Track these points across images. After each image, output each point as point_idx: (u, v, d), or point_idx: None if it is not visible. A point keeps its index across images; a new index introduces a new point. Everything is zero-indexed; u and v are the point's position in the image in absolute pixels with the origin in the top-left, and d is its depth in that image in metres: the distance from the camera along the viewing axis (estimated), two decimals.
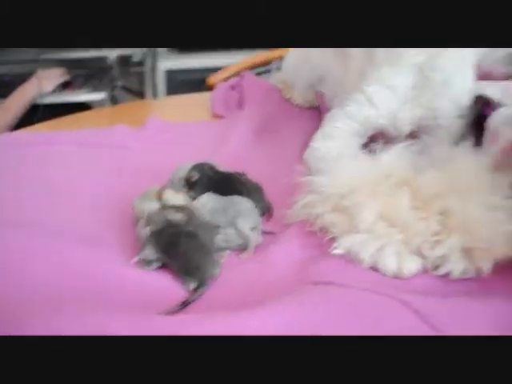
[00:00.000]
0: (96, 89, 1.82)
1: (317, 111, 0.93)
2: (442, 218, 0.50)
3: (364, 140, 0.71)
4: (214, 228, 0.54)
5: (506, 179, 0.53)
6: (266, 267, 0.50)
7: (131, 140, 0.86)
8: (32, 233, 0.54)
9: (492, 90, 0.64)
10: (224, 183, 0.62)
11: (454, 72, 0.66)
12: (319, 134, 0.72)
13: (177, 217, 0.52)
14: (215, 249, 0.52)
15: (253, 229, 0.54)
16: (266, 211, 0.61)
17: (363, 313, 0.42)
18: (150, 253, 0.50)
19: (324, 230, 0.53)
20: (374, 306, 0.43)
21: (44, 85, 1.59)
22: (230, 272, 0.50)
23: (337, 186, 0.54)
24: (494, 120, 0.59)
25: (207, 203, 0.56)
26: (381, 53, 0.66)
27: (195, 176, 0.61)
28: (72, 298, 0.45)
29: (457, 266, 0.48)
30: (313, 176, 0.56)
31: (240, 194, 0.59)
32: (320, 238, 0.53)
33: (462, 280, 0.48)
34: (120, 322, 0.40)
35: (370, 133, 0.71)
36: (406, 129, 0.69)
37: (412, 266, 0.48)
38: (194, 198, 0.59)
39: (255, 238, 0.53)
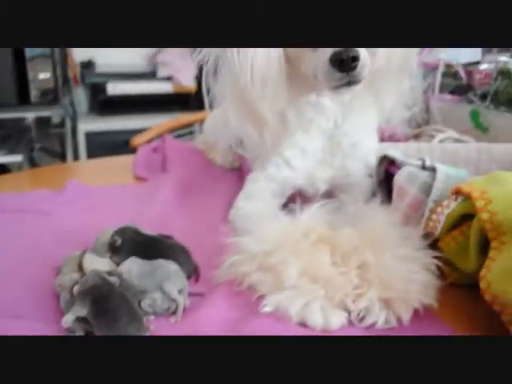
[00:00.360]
0: (13, 151, 1.75)
1: (238, 172, 0.97)
2: (360, 271, 0.53)
3: (283, 200, 0.75)
4: (141, 293, 0.53)
5: (415, 232, 0.58)
6: (197, 329, 0.49)
7: (50, 205, 0.83)
8: None
9: (394, 151, 0.71)
10: (149, 246, 0.61)
11: (360, 135, 0.74)
12: (242, 195, 0.75)
13: (111, 279, 0.51)
14: (142, 314, 0.51)
15: (180, 291, 0.54)
16: (192, 273, 0.61)
17: None
18: (79, 310, 0.48)
19: (252, 288, 0.54)
20: None
21: None
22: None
23: (261, 245, 0.56)
24: (399, 178, 0.65)
25: (132, 268, 0.56)
26: (293, 119, 0.71)
27: (118, 240, 0.61)
28: None
29: (379, 317, 0.50)
30: (238, 236, 0.58)
31: (166, 256, 0.58)
32: (249, 297, 0.53)
33: (387, 330, 0.50)
34: None
35: (288, 192, 0.75)
36: (322, 187, 0.74)
37: (337, 320, 0.50)
38: (118, 264, 0.58)
39: (182, 300, 0.53)
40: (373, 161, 0.74)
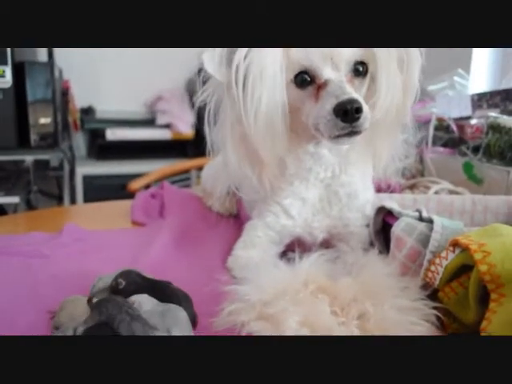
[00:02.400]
0: (10, 192, 1.76)
1: (235, 219, 0.97)
2: (360, 322, 0.53)
3: (281, 248, 0.75)
4: (150, 328, 0.52)
5: (414, 283, 0.58)
6: None
7: (46, 248, 0.83)
8: None
9: (391, 202, 0.72)
10: (153, 290, 0.61)
11: (357, 185, 0.75)
12: (240, 243, 0.75)
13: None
14: None
15: None
16: (193, 321, 0.60)
17: None
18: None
19: None
20: None
21: None
22: None
23: (260, 294, 0.55)
24: (397, 229, 0.66)
25: (145, 303, 0.55)
26: (292, 168, 0.72)
27: (122, 283, 0.60)
28: None
29: None
30: (236, 284, 0.58)
31: (171, 302, 0.58)
32: None
33: None
34: None
35: (287, 241, 0.76)
36: (320, 236, 0.75)
37: None
38: None
39: None
40: (370, 211, 0.75)
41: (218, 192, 0.98)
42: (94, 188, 2.07)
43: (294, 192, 0.73)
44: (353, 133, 0.60)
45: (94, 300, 0.53)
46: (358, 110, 0.58)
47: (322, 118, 0.60)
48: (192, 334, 0.55)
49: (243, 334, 0.54)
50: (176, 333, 0.52)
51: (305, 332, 0.51)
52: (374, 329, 0.52)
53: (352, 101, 0.58)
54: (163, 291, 0.61)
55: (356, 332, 0.52)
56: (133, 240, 0.88)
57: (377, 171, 0.77)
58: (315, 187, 0.73)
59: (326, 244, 0.76)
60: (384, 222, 0.74)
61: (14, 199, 1.74)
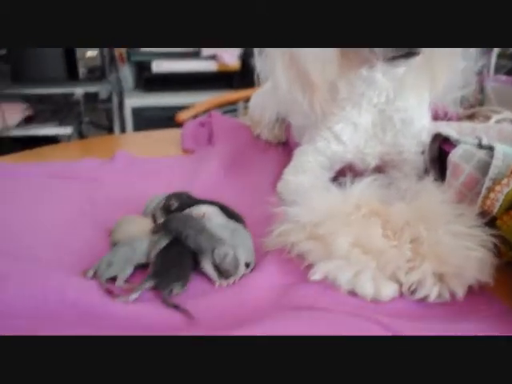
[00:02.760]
0: (63, 123, 1.81)
1: (284, 146, 0.96)
2: (413, 245, 0.52)
3: (332, 174, 0.74)
4: (218, 241, 0.54)
5: (470, 210, 0.56)
6: (246, 293, 0.50)
7: (100, 172, 0.85)
8: (7, 260, 0.53)
9: (447, 129, 0.69)
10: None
11: (412, 111, 0.72)
12: (291, 168, 0.74)
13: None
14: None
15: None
16: None
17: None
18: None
19: (301, 257, 0.54)
20: (354, 329, 0.44)
21: (7, 118, 1.58)
22: (208, 298, 0.50)
23: (310, 216, 0.55)
24: (455, 156, 0.63)
25: (215, 215, 0.56)
26: (344, 92, 0.70)
27: (175, 204, 0.61)
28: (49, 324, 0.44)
29: (432, 291, 0.49)
30: (287, 206, 0.58)
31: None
32: (298, 264, 0.54)
33: (439, 304, 0.49)
34: None
35: (338, 166, 0.74)
36: (373, 163, 0.73)
37: (388, 290, 0.49)
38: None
39: (242, 272, 0.53)
40: (425, 138, 0.72)
41: (266, 119, 0.96)
42: (143, 119, 2.08)
43: (346, 117, 0.71)
44: (410, 54, 0.57)
45: (160, 220, 0.55)
46: None
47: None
48: (252, 261, 0.56)
49: (293, 254, 0.54)
50: (240, 253, 0.53)
51: (355, 253, 0.51)
52: (428, 252, 0.51)
53: None
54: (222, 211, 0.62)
55: (408, 255, 0.51)
56: (183, 166, 0.89)
57: (434, 98, 0.73)
58: (368, 112, 0.71)
59: (378, 170, 0.74)
60: (440, 150, 0.71)
61: (67, 130, 1.79)
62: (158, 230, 0.56)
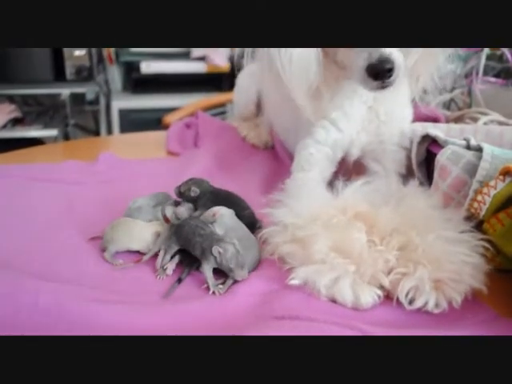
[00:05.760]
0: (48, 125, 1.78)
1: (271, 151, 0.95)
2: (402, 252, 0.51)
3: (335, 166, 0.74)
4: (217, 241, 0.52)
5: (457, 214, 0.55)
6: (229, 300, 0.48)
7: (82, 175, 0.83)
8: None
9: (435, 130, 0.68)
10: (227, 200, 0.60)
11: (394, 104, 0.73)
12: (295, 164, 0.74)
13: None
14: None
15: (243, 267, 0.52)
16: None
17: None
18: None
19: (282, 260, 0.53)
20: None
21: None
22: (190, 303, 0.49)
23: (294, 218, 0.54)
24: (442, 157, 0.62)
25: (227, 217, 0.55)
26: (333, 96, 0.70)
27: (196, 191, 0.59)
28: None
29: (430, 298, 0.47)
30: (272, 208, 0.57)
31: (242, 211, 0.59)
32: (280, 269, 0.52)
33: (424, 312, 0.48)
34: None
35: (339, 156, 0.74)
36: (355, 154, 0.74)
37: (368, 297, 0.48)
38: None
39: (239, 275, 0.51)
40: (406, 128, 0.74)
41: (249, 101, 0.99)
42: (130, 122, 2.06)
43: (340, 105, 0.71)
44: (383, 87, 0.61)
45: (175, 222, 0.55)
46: (390, 69, 0.58)
47: (355, 73, 0.60)
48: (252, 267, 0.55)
49: (276, 256, 0.53)
50: (248, 256, 0.53)
51: (334, 256, 0.50)
52: (422, 258, 0.49)
53: (383, 62, 0.57)
54: (236, 202, 0.61)
55: (392, 261, 0.50)
56: (168, 168, 0.88)
57: (414, 96, 0.74)
58: (358, 108, 0.72)
59: (359, 165, 0.74)
60: (428, 153, 0.70)
61: (53, 132, 1.77)
62: (169, 231, 0.55)
